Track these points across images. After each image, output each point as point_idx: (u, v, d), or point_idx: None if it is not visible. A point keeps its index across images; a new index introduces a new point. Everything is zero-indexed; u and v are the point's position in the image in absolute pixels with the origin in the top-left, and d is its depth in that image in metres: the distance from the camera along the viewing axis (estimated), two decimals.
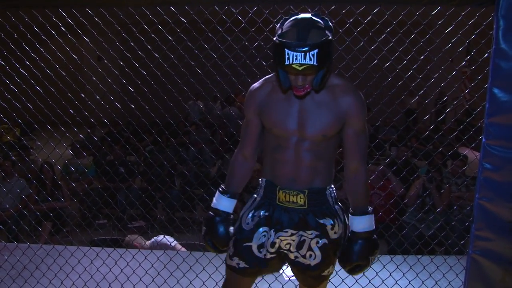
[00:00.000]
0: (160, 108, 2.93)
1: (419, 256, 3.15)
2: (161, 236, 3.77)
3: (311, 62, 1.50)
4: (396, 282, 2.91)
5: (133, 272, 3.07)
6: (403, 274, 2.93)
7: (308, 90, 1.63)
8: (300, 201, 1.81)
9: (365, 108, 1.77)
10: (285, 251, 1.84)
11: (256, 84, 1.85)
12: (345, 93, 1.73)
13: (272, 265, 1.88)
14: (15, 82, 3.05)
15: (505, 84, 2.17)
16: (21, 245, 3.59)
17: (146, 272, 3.08)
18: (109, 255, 3.23)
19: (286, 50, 1.50)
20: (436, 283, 2.88)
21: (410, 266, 2.98)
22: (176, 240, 3.83)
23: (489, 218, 2.29)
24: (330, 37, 1.55)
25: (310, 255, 1.83)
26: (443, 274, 2.87)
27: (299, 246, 1.82)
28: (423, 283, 2.91)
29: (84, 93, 3.10)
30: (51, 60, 3.02)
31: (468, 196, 4.60)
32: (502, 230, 2.26)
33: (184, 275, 3.01)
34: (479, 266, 2.34)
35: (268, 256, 1.83)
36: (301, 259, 1.84)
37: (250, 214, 1.87)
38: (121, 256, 3.21)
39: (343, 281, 2.90)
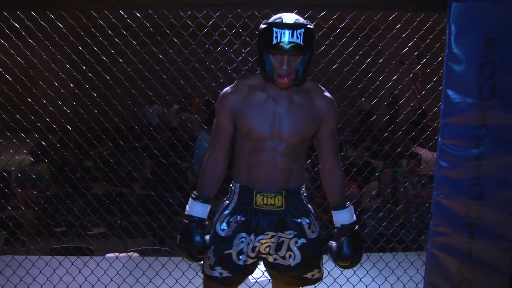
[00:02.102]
0: (110, 112, 2.88)
1: (381, 254, 3.25)
2: None
3: (298, 41, 1.55)
4: (360, 280, 3.00)
5: (98, 279, 3.00)
6: (367, 271, 3.02)
7: (292, 78, 1.64)
8: (278, 202, 1.81)
9: (337, 109, 1.84)
10: (264, 255, 1.85)
11: (229, 88, 1.82)
12: (320, 95, 1.80)
13: (251, 271, 1.88)
14: None
15: (458, 86, 2.29)
16: None
17: (111, 280, 3.01)
18: (72, 263, 3.13)
19: (275, 29, 1.55)
20: (398, 279, 2.99)
21: (374, 264, 3.08)
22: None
23: (446, 214, 2.40)
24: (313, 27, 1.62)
25: (290, 256, 1.83)
26: (405, 270, 2.99)
27: (278, 247, 1.83)
28: (386, 279, 3.00)
29: (33, 98, 2.99)
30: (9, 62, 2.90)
31: (426, 194, 4.78)
32: (459, 225, 2.37)
33: (150, 281, 2.97)
34: (438, 260, 2.44)
35: (249, 261, 1.82)
36: (280, 261, 1.84)
37: (226, 221, 1.84)
38: (85, 264, 3.13)
39: None
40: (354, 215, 1.92)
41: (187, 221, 1.84)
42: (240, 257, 1.80)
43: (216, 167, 1.89)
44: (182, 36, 2.54)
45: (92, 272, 3.05)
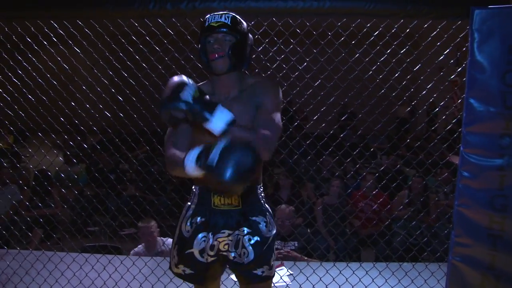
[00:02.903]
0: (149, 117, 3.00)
1: (401, 263, 3.20)
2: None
3: (226, 21, 1.71)
4: None
5: (121, 277, 3.10)
6: (385, 280, 2.98)
7: (222, 55, 1.71)
8: (235, 201, 1.87)
9: (278, 92, 1.83)
10: (224, 253, 1.89)
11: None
12: (259, 82, 1.85)
13: (214, 269, 1.94)
14: (8, 91, 3.12)
15: (481, 95, 2.25)
16: (11, 251, 3.62)
17: (134, 277, 3.11)
18: (97, 261, 3.26)
19: (207, 16, 1.74)
20: (412, 282, 2.93)
21: (393, 273, 3.03)
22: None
23: (468, 224, 2.35)
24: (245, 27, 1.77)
25: (244, 253, 1.87)
26: (425, 280, 2.93)
27: (236, 245, 1.88)
28: None
29: (75, 102, 3.16)
30: (43, 69, 3.08)
31: None
32: (480, 236, 2.32)
33: (171, 280, 3.05)
34: (458, 271, 2.40)
35: (210, 259, 1.89)
36: (238, 259, 1.88)
37: (188, 222, 1.91)
38: (109, 262, 3.25)
39: (326, 286, 2.95)
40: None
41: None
42: (203, 255, 1.87)
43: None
44: None
45: (116, 269, 3.16)
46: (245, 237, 1.87)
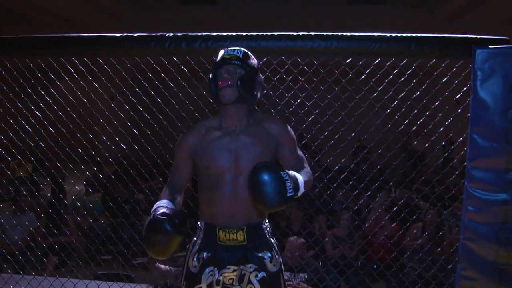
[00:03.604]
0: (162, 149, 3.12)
1: None
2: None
3: (238, 54, 1.82)
4: None
5: None
6: None
7: (231, 84, 1.79)
8: (240, 237, 1.91)
9: (292, 132, 1.97)
10: (229, 286, 1.93)
11: (186, 131, 1.98)
12: (271, 121, 1.95)
13: None
14: (30, 122, 3.28)
15: (484, 131, 2.31)
16: (27, 277, 3.70)
17: None
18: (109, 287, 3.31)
19: (220, 51, 1.86)
20: None
21: None
22: None
23: (473, 258, 2.38)
24: (255, 63, 1.88)
25: None
26: None
27: (241, 280, 1.92)
28: None
29: (93, 134, 3.30)
30: (63, 102, 3.23)
31: None
32: (486, 270, 2.34)
33: None
34: None
35: None
36: None
37: (195, 258, 1.95)
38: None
39: None
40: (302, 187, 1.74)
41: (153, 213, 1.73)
42: None
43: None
44: None
45: None
46: (251, 273, 1.92)
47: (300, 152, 1.98)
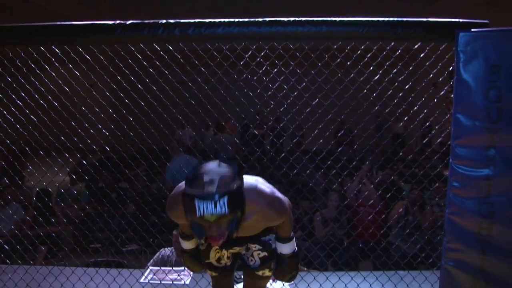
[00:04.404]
0: (144, 136, 3.15)
1: (398, 271, 3.34)
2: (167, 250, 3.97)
3: (222, 211, 1.51)
4: None
5: None
6: (382, 285, 3.12)
7: (225, 237, 1.63)
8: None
9: (289, 211, 2.09)
10: (237, 251, 2.24)
11: (172, 205, 1.96)
12: (269, 212, 1.89)
13: (233, 265, 2.32)
14: (10, 111, 3.27)
15: (467, 110, 2.42)
16: (14, 266, 3.63)
17: None
18: (103, 279, 3.32)
19: (196, 200, 1.50)
20: None
21: (389, 278, 3.17)
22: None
23: (459, 231, 2.51)
24: (238, 184, 1.60)
25: (251, 260, 2.22)
26: (419, 285, 3.07)
27: (246, 249, 2.24)
28: None
29: (76, 122, 3.31)
30: (44, 91, 3.21)
31: None
32: (470, 242, 2.47)
33: None
34: (451, 275, 2.55)
35: (228, 263, 2.26)
36: (245, 257, 2.26)
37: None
38: (114, 280, 3.33)
39: None
40: (295, 245, 2.20)
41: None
42: (220, 262, 2.24)
43: None
44: (210, 66, 2.81)
45: (120, 287, 3.27)
46: (255, 251, 2.21)
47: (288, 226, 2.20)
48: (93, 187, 6.40)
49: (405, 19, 2.40)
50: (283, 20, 2.39)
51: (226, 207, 1.51)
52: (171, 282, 3.43)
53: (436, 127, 3.22)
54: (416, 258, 3.64)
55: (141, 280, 3.47)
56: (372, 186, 5.12)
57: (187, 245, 2.25)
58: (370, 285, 3.09)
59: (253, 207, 1.80)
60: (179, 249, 3.71)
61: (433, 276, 3.11)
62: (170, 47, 2.71)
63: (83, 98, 3.40)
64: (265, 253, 2.21)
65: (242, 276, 2.42)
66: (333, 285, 3.10)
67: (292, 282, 2.41)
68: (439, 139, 3.64)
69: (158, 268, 3.74)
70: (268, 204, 1.89)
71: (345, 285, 3.06)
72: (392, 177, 4.64)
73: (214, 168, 1.59)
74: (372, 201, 4.67)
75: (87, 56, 2.93)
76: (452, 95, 2.49)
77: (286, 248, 2.18)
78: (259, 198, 1.85)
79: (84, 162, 5.92)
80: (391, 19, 2.39)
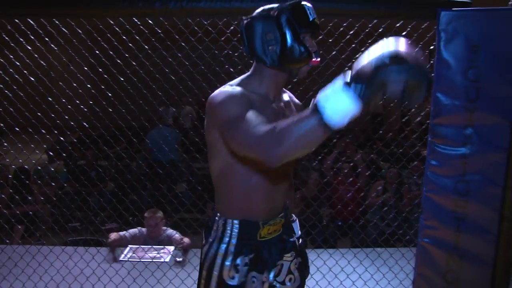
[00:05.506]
0: (124, 112, 3.10)
1: (376, 248, 3.42)
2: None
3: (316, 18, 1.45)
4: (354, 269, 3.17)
5: (104, 272, 3.20)
6: (360, 261, 3.19)
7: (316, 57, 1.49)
8: (279, 227, 1.64)
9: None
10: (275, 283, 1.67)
11: (236, 86, 1.47)
12: (293, 95, 1.74)
13: None
14: None
15: (446, 89, 2.45)
16: None
17: (116, 272, 3.20)
18: (81, 257, 3.31)
19: (305, 6, 1.43)
20: (389, 269, 3.15)
21: (367, 255, 3.25)
22: None
23: (435, 208, 2.55)
24: None
25: (290, 279, 1.67)
26: (396, 261, 3.15)
27: (277, 273, 1.66)
28: (378, 269, 3.16)
29: (53, 98, 3.22)
30: (20, 66, 3.12)
31: None
32: (446, 219, 2.52)
33: (152, 274, 3.16)
34: (427, 252, 2.60)
35: None
36: (279, 286, 1.66)
37: (232, 267, 1.55)
38: (93, 258, 3.33)
39: (311, 276, 3.12)
40: None
41: None
42: None
43: None
44: (190, 42, 2.76)
45: (99, 265, 3.26)
46: (292, 262, 1.68)
47: None
48: (71, 165, 6.31)
49: None
50: None
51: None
52: (150, 260, 3.43)
53: (415, 106, 3.24)
54: (393, 235, 3.71)
55: (120, 258, 3.46)
56: (351, 164, 5.17)
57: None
58: (348, 262, 3.15)
59: None
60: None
61: (409, 253, 3.19)
62: (150, 21, 2.64)
63: (61, 73, 3.31)
64: (299, 259, 1.72)
65: None
66: (311, 262, 3.14)
67: None
68: (418, 118, 3.67)
69: (138, 246, 3.74)
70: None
71: (324, 262, 3.11)
72: (372, 156, 4.70)
73: None
74: (351, 179, 4.72)
75: (65, 30, 2.84)
76: (432, 75, 2.51)
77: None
78: None
79: (62, 139, 5.83)
80: None
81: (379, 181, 5.16)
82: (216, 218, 1.60)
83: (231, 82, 1.53)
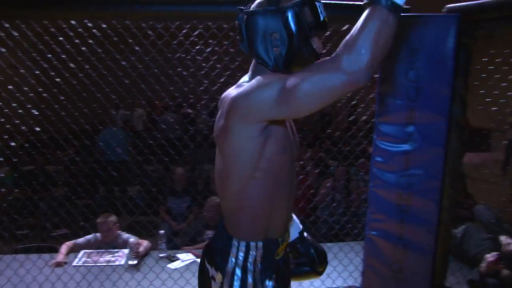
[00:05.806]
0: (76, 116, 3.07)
1: (326, 243, 3.56)
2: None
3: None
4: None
5: (58, 278, 3.12)
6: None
7: None
8: (288, 241, 1.57)
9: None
10: None
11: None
12: None
13: None
14: None
15: (390, 90, 2.61)
16: None
17: (71, 277, 3.14)
18: (34, 264, 3.23)
19: (317, 3, 1.27)
20: (340, 262, 3.29)
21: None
22: None
23: (381, 202, 2.72)
24: None
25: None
26: (346, 254, 3.30)
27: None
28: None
29: (3, 103, 3.13)
30: None
31: None
32: (391, 212, 2.69)
33: (108, 277, 3.13)
34: (374, 244, 2.76)
35: None
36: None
37: None
38: (46, 264, 3.25)
39: None
40: None
41: None
42: None
43: None
44: (144, 45, 2.79)
45: (53, 271, 3.20)
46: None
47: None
48: (20, 170, 6.11)
49: (333, 1, 2.50)
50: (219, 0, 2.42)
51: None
52: (105, 264, 3.41)
53: (362, 106, 3.41)
54: (342, 230, 3.87)
55: (74, 264, 3.41)
56: (301, 163, 5.32)
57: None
58: None
59: None
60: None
61: (358, 246, 3.34)
62: (103, 25, 2.63)
63: (10, 76, 3.22)
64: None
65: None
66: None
67: None
68: (364, 117, 3.85)
69: (92, 250, 3.69)
70: None
71: None
72: (320, 154, 4.86)
73: None
74: (301, 177, 4.86)
75: (14, 32, 2.78)
76: (376, 76, 2.66)
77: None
78: None
79: (13, 144, 5.62)
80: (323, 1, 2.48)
81: (328, 179, 5.33)
82: (235, 242, 1.42)
83: (238, 82, 1.40)
